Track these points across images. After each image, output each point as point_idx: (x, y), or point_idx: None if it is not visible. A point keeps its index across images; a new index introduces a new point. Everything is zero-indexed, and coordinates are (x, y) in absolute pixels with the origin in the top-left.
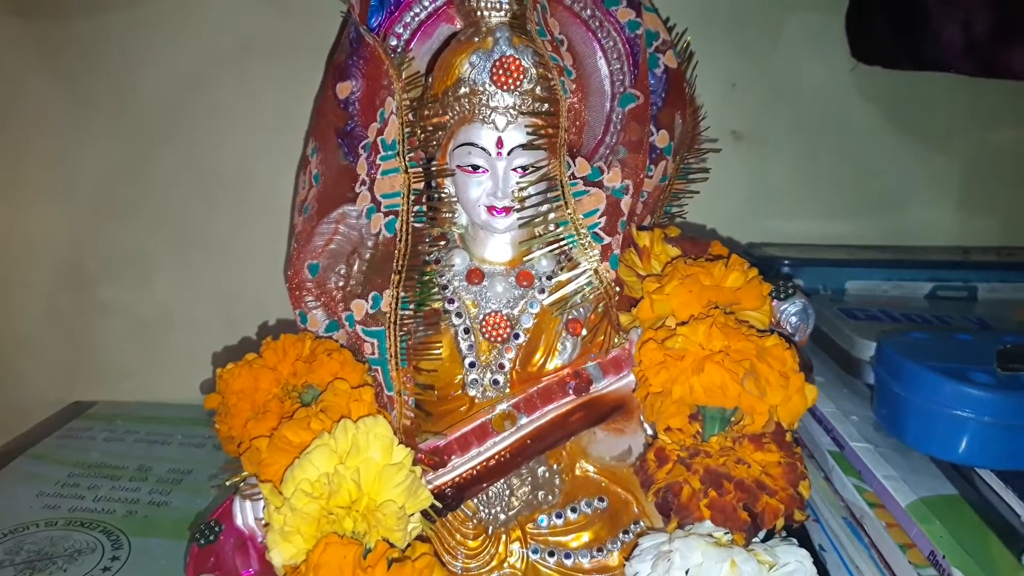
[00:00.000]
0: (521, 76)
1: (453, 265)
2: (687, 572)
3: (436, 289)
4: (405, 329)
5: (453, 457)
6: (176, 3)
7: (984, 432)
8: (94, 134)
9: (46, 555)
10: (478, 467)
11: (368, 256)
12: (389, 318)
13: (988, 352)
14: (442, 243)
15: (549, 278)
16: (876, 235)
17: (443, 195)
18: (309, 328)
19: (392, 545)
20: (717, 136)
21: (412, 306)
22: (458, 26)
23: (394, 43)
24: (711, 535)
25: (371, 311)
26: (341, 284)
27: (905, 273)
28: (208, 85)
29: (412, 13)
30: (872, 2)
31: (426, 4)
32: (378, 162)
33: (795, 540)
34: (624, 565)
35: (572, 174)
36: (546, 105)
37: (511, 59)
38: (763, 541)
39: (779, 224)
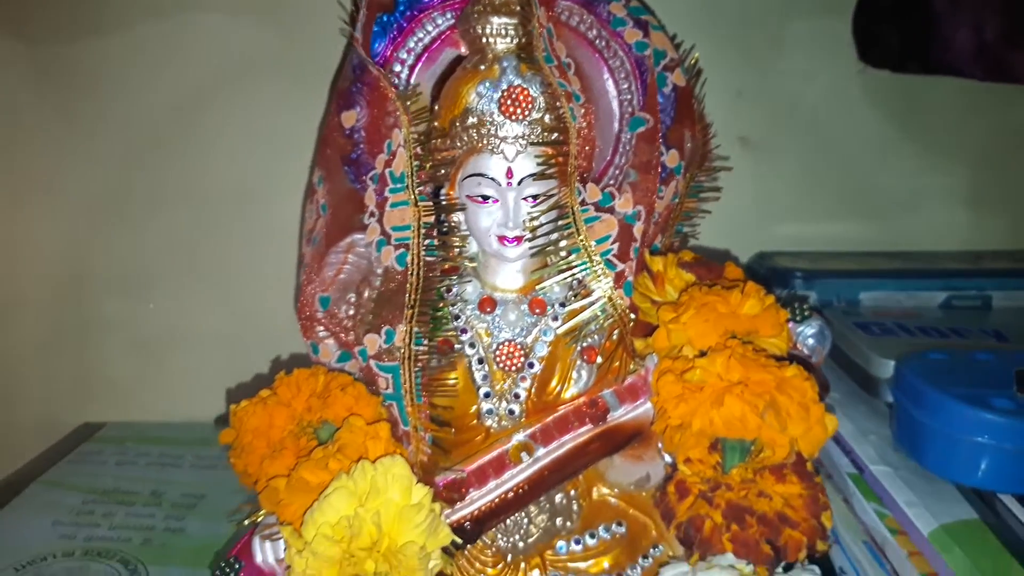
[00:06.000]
0: (530, 106)
1: (465, 293)
2: None
3: (450, 323)
4: (419, 364)
5: (471, 490)
6: (172, 24)
7: (1004, 458)
8: (90, 153)
9: None
10: (496, 500)
11: (379, 284)
12: (403, 353)
13: (1007, 373)
14: (454, 276)
15: (563, 305)
16: (886, 238)
17: (454, 224)
18: (321, 359)
19: None
20: (724, 143)
21: (426, 341)
22: (463, 51)
23: (398, 69)
24: (733, 566)
25: (384, 346)
26: (352, 312)
27: (919, 283)
28: (208, 105)
29: (416, 38)
30: (880, 6)
31: (429, 29)
32: (387, 194)
33: (816, 568)
34: None
35: (583, 200)
36: (555, 134)
37: (519, 88)
38: (785, 572)
39: (788, 229)
